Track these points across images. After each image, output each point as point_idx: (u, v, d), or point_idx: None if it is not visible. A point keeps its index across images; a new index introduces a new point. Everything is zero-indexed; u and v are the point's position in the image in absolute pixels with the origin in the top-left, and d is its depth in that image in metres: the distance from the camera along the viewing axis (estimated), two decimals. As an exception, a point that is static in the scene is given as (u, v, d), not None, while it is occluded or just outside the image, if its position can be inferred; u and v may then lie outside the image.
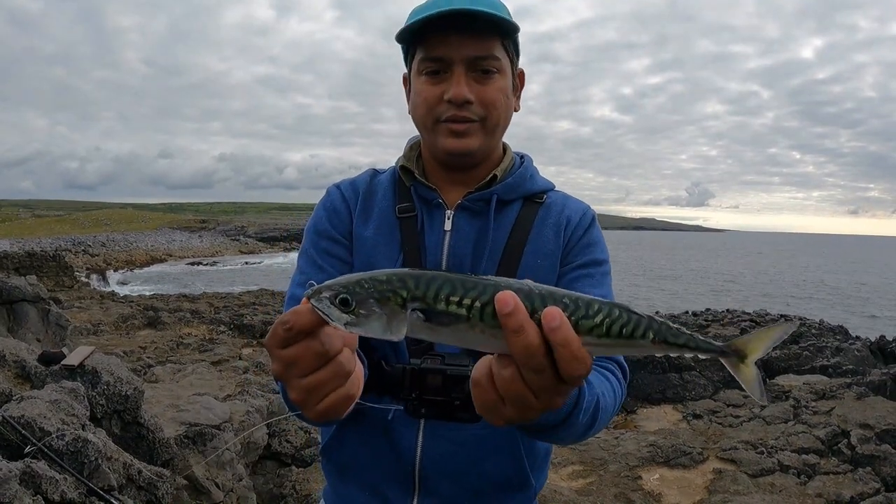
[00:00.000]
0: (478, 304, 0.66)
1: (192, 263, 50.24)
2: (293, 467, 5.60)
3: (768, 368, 11.07)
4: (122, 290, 26.16)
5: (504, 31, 1.15)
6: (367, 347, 1.14)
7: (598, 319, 0.68)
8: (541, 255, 1.19)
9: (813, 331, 14.99)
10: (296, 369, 0.70)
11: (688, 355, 0.74)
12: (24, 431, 2.97)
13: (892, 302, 34.74)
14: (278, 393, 1.02)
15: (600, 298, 0.71)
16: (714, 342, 0.75)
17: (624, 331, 0.70)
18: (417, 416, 1.14)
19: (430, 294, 0.66)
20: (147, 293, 24.77)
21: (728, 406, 8.73)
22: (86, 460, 3.16)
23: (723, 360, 0.76)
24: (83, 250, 51.28)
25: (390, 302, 0.66)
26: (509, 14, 1.16)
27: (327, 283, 0.68)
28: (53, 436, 3.09)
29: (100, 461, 3.23)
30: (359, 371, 0.79)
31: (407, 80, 1.26)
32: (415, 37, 1.15)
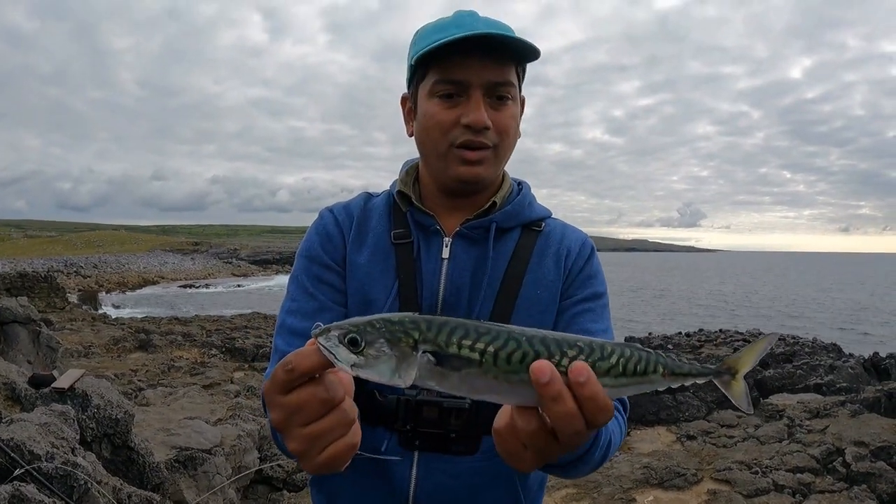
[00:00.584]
0: (491, 349, 0.65)
1: (185, 286, 49.97)
2: (284, 492, 5.54)
3: (762, 388, 11.06)
4: (114, 313, 25.97)
5: (521, 57, 1.13)
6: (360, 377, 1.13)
7: (613, 360, 0.70)
8: (540, 286, 1.16)
9: (806, 349, 15.01)
10: (298, 417, 0.67)
11: (688, 383, 0.77)
12: (13, 454, 2.94)
13: (885, 319, 34.87)
14: (266, 421, 0.95)
15: (611, 341, 0.73)
16: (709, 366, 0.79)
17: (638, 368, 0.72)
18: (411, 449, 1.11)
19: (442, 337, 0.65)
20: (139, 315, 24.59)
21: (722, 426, 8.70)
22: (75, 484, 3.12)
23: (716, 381, 0.80)
24: (75, 272, 50.98)
25: (401, 343, 0.64)
26: None
27: (336, 323, 0.66)
28: (43, 459, 3.06)
29: (89, 485, 3.20)
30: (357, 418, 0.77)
31: (407, 101, 1.21)
32: (429, 58, 1.10)
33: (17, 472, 2.93)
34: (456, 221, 1.19)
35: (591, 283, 1.21)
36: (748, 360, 0.81)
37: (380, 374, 0.65)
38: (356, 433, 0.72)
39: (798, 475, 6.16)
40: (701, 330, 20.64)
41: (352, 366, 0.64)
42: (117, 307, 31.07)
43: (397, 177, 1.27)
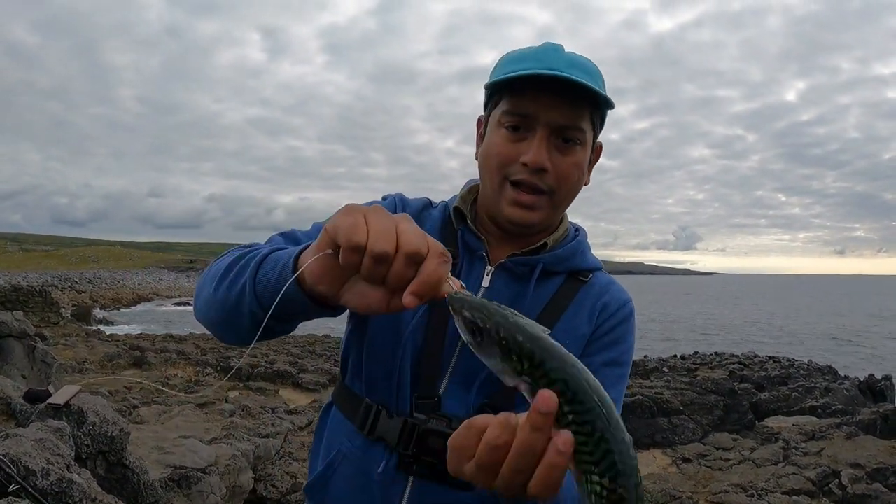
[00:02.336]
0: (570, 417, 0.64)
1: (180, 303, 49.78)
2: (279, 510, 5.50)
3: (757, 410, 11.05)
4: (108, 329, 25.83)
5: (596, 104, 1.09)
6: (371, 387, 1.12)
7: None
8: (570, 337, 1.12)
9: (801, 372, 15.03)
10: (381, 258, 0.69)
11: None
12: (8, 469, 2.93)
13: (880, 341, 34.90)
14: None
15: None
16: None
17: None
18: (408, 473, 1.08)
19: (543, 381, 0.64)
20: (133, 332, 24.47)
21: (717, 449, 8.68)
22: (70, 501, 3.11)
23: None
24: (70, 286, 50.77)
25: (511, 361, 0.66)
26: (604, 84, 1.09)
27: (472, 300, 0.68)
28: (38, 475, 3.04)
29: (84, 502, 3.18)
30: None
31: (481, 124, 1.19)
32: (504, 86, 1.08)
33: (11, 487, 2.92)
34: (503, 252, 1.16)
35: (616, 348, 1.16)
36: None
37: (487, 362, 0.68)
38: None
39: (794, 497, 6.15)
40: (696, 353, 20.64)
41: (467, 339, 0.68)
42: (111, 323, 30.90)
43: (458, 193, 1.24)
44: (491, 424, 0.68)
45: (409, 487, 1.09)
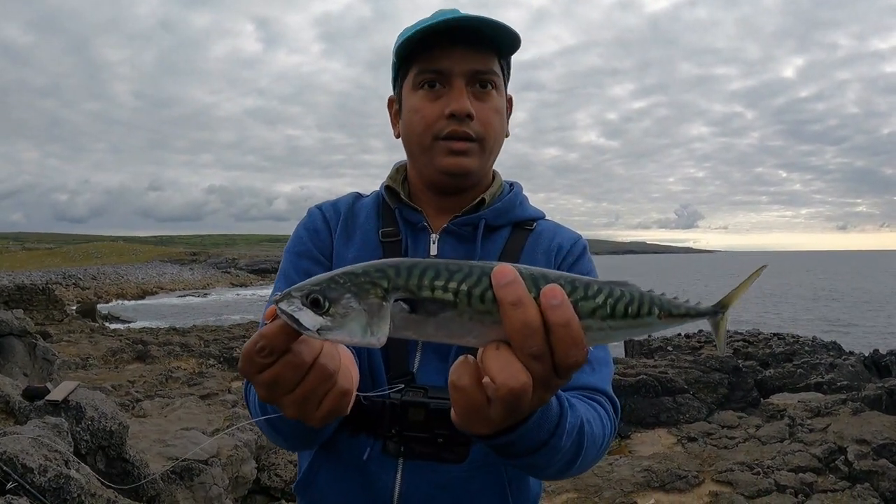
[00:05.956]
0: (464, 287, 0.60)
1: (183, 296, 49.94)
2: (282, 501, 5.50)
3: (762, 388, 11.04)
4: (112, 324, 25.90)
5: (503, 47, 1.12)
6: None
7: (599, 300, 0.64)
8: None
9: (806, 348, 14.99)
10: (279, 388, 0.68)
11: (684, 324, 0.75)
12: (5, 467, 2.91)
13: (884, 316, 34.87)
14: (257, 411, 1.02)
15: (599, 280, 0.67)
16: (705, 307, 0.78)
17: (630, 309, 0.66)
18: (396, 455, 1.06)
19: (413, 281, 0.59)
20: (137, 326, 24.54)
21: (723, 428, 8.68)
22: (68, 497, 3.09)
23: (710, 321, 0.80)
24: (74, 283, 50.89)
25: (370, 295, 0.59)
26: None
27: (296, 284, 0.62)
28: (35, 472, 3.02)
29: (83, 498, 3.17)
30: (347, 360, 0.76)
31: (393, 103, 1.21)
32: (412, 52, 1.11)
33: (9, 485, 2.90)
34: (444, 219, 1.17)
35: None
36: (738, 296, 0.82)
37: (350, 333, 0.59)
38: (346, 378, 0.74)
39: (800, 475, 6.14)
40: (700, 331, 20.60)
41: (318, 330, 0.59)
42: (116, 318, 30.99)
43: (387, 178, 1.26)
44: (475, 371, 0.64)
45: (399, 470, 1.07)
